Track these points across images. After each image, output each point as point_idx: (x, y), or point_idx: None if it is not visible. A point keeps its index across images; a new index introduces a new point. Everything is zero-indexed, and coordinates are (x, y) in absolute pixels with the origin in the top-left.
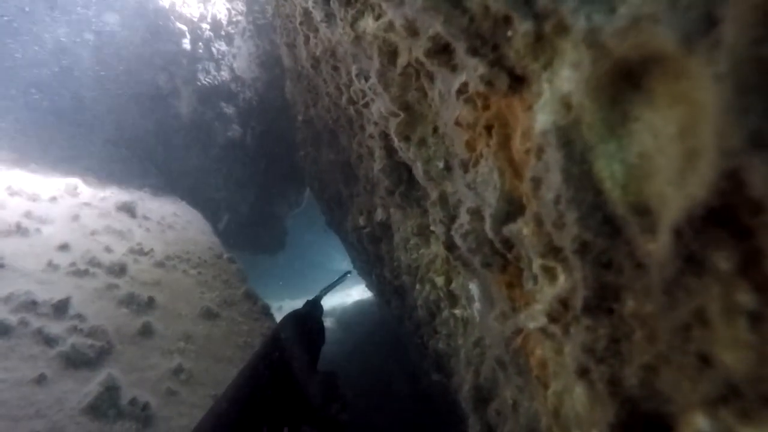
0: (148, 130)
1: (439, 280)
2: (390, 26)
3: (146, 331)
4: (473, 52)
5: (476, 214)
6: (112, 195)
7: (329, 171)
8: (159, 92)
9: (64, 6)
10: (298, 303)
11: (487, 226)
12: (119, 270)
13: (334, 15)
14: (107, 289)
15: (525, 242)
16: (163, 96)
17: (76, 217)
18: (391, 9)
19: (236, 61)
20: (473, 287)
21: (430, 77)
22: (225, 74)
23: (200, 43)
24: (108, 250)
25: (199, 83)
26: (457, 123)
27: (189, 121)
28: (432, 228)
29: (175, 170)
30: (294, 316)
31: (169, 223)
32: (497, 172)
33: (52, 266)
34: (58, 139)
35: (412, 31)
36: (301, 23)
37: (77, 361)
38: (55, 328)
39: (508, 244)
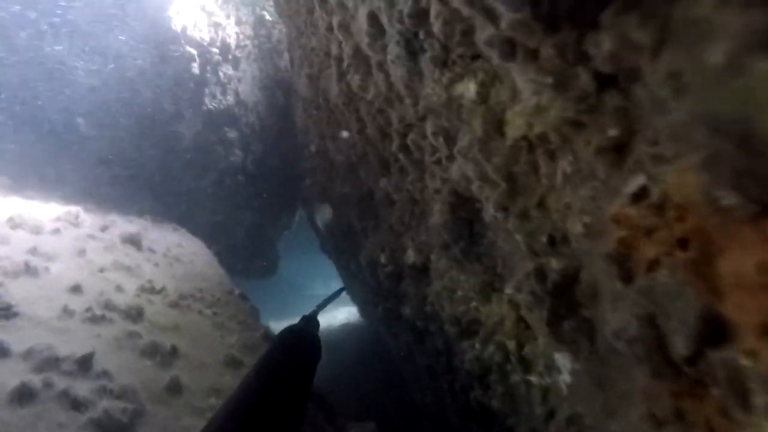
0: (147, 153)
1: (510, 344)
2: (537, 110)
3: (174, 387)
4: (736, 186)
5: (647, 320)
6: (114, 224)
7: (340, 203)
8: (162, 115)
9: (67, 23)
10: (283, 326)
11: (680, 343)
12: (136, 314)
13: (421, 74)
14: (128, 338)
15: (741, 371)
16: (165, 119)
17: (82, 252)
18: (567, 105)
19: (241, 85)
20: (561, 360)
21: (551, 154)
22: (230, 98)
23: (208, 67)
24: (119, 289)
25: (204, 107)
26: (616, 220)
27: (191, 144)
28: (511, 292)
29: (171, 193)
30: (290, 332)
31: (176, 255)
32: (693, 290)
33: (67, 312)
34: (53, 159)
35: (578, 123)
36: (349, 65)
37: (110, 429)
38: (82, 388)
39: (694, 360)
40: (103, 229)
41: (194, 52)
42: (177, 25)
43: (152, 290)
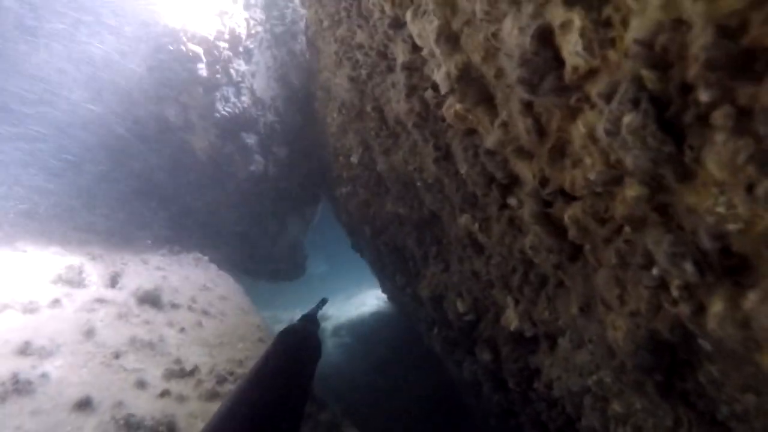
0: (155, 169)
1: None
2: None
3: None
4: None
5: None
6: (127, 270)
7: (390, 221)
8: (168, 127)
9: (44, 29)
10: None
11: None
12: (167, 430)
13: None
14: None
15: None
16: (172, 131)
17: (90, 333)
18: None
19: (256, 80)
20: None
21: None
22: (245, 99)
23: (218, 66)
24: (141, 385)
25: (218, 115)
26: None
27: (205, 157)
28: None
29: (187, 209)
30: (290, 332)
31: (203, 307)
32: None
33: None
34: (46, 191)
35: None
36: (452, 90)
37: None
38: None
39: None
40: (114, 281)
41: (199, 50)
42: (174, 20)
43: (182, 374)
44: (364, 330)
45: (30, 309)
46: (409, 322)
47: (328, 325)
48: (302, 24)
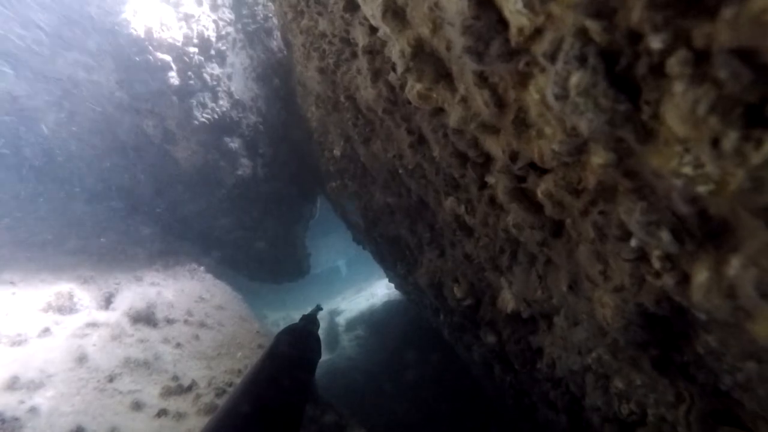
0: (140, 184)
1: None
2: None
3: None
4: None
5: None
6: (120, 289)
7: (382, 212)
8: (147, 140)
9: (4, 48)
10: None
11: None
12: None
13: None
14: None
15: None
16: (152, 143)
17: (82, 359)
18: None
19: (233, 83)
20: None
21: None
22: (224, 102)
23: (190, 72)
24: (137, 407)
25: (196, 122)
26: None
27: (190, 166)
28: None
29: (179, 219)
30: (291, 331)
31: (200, 319)
32: None
33: None
34: (32, 219)
35: None
36: (408, 69)
37: None
38: None
39: None
40: (107, 302)
41: (168, 58)
42: (138, 29)
43: (180, 390)
44: (375, 320)
45: (18, 341)
46: (417, 309)
47: (341, 320)
48: (275, 20)
